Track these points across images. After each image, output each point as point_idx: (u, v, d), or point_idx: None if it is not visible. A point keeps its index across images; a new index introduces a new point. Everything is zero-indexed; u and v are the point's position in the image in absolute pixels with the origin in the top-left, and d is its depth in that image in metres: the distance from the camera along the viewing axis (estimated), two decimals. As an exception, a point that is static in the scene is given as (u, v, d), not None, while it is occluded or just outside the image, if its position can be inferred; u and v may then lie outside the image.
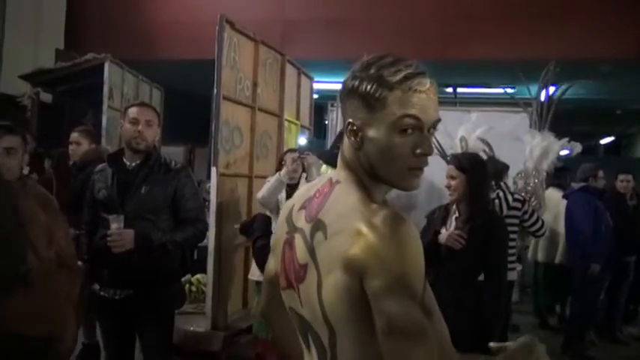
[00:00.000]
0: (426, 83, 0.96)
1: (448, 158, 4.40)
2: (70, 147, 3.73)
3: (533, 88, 8.17)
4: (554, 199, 4.80)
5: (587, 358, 4.45)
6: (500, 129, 5.51)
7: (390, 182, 1.00)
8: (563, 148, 4.45)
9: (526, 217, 3.62)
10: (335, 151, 2.06)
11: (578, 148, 4.65)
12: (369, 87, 0.97)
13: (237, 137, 3.49)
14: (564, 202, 4.58)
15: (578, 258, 4.34)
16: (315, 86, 5.54)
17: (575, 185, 4.54)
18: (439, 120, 0.98)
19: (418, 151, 0.95)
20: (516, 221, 3.55)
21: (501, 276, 2.49)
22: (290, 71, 4.42)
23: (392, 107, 0.95)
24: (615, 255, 4.50)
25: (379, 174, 0.99)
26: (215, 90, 3.22)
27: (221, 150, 3.23)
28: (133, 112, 2.43)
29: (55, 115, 6.73)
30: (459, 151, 4.10)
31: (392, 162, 0.96)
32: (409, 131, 0.95)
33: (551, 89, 8.43)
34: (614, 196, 4.80)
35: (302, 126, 4.89)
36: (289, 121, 4.45)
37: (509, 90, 8.29)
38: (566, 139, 4.62)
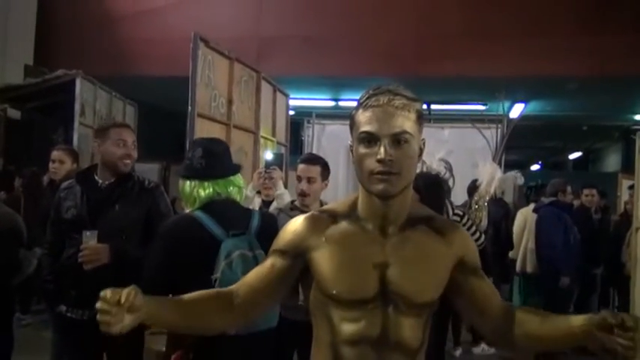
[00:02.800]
0: (384, 99, 1.11)
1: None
2: (52, 165, 3.60)
3: (504, 105, 8.38)
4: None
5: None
6: (471, 145, 5.65)
7: (364, 187, 1.16)
8: (507, 177, 4.96)
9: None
10: (186, 162, 2.02)
11: (520, 180, 5.15)
12: (352, 111, 1.18)
13: (212, 154, 3.48)
14: None
15: (548, 271, 4.43)
16: (291, 103, 5.58)
17: (545, 200, 4.65)
18: (404, 131, 1.10)
19: (376, 157, 1.10)
20: None
21: None
22: (265, 88, 4.45)
23: (357, 124, 1.14)
24: (583, 267, 4.62)
25: (358, 180, 1.16)
26: (190, 107, 3.22)
27: (196, 167, 3.20)
28: (118, 133, 2.35)
29: (24, 131, 6.58)
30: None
31: (360, 169, 1.14)
32: (371, 143, 1.11)
33: (521, 107, 8.71)
34: (579, 210, 4.94)
35: (278, 142, 4.90)
36: (265, 138, 4.47)
37: (480, 107, 8.52)
38: (515, 171, 5.23)
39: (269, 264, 1.23)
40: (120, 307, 1.03)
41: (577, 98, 8.29)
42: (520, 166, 15.57)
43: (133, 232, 2.33)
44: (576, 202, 5.22)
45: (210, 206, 1.94)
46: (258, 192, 3.26)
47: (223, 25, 6.64)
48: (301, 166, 2.57)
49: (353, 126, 1.16)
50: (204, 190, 1.97)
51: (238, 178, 2.06)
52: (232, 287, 1.25)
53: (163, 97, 8.03)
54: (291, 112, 5.72)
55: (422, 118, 1.16)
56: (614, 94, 7.97)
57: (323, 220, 1.20)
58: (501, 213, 4.95)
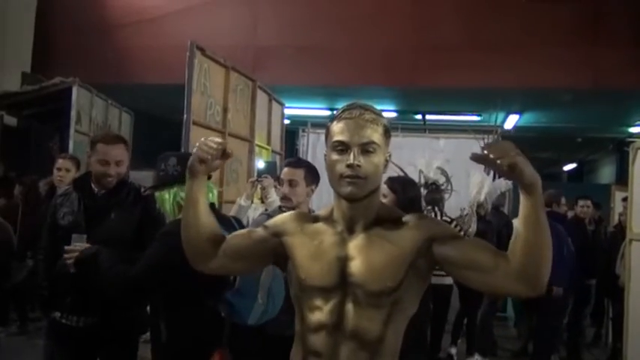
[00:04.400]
0: (356, 112, 1.27)
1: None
2: (58, 173, 3.59)
3: (498, 116, 8.41)
4: None
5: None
6: (466, 156, 5.67)
7: (335, 190, 1.30)
8: (495, 185, 4.97)
9: None
10: (160, 174, 2.03)
11: (508, 185, 5.16)
12: (328, 123, 1.33)
13: (207, 162, 3.48)
14: None
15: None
16: (287, 112, 5.61)
17: (539, 210, 4.66)
18: (372, 141, 1.25)
19: (346, 163, 1.24)
20: None
21: None
22: (261, 97, 4.47)
23: (331, 134, 1.30)
24: (577, 278, 4.62)
25: (330, 184, 1.30)
26: (185, 115, 3.23)
27: (191, 175, 3.21)
28: (102, 151, 2.31)
29: (20, 138, 6.58)
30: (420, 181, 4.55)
31: (332, 173, 1.28)
32: (343, 150, 1.26)
33: (516, 118, 8.77)
34: (574, 221, 4.96)
35: (273, 151, 4.91)
36: (260, 147, 4.48)
37: (475, 117, 8.56)
38: (501, 179, 5.15)
39: (250, 230, 1.46)
40: (221, 152, 1.31)
41: (571, 110, 8.35)
42: (515, 177, 15.58)
43: (128, 239, 2.33)
44: (570, 214, 5.24)
45: None
46: (262, 201, 3.27)
47: (220, 33, 6.66)
48: (284, 170, 2.56)
49: (328, 136, 1.31)
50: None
51: (212, 184, 2.13)
52: (229, 236, 1.43)
53: (159, 104, 8.04)
54: (287, 121, 5.74)
55: (388, 133, 1.31)
56: (608, 107, 8.04)
57: (307, 217, 1.40)
58: (502, 222, 4.99)
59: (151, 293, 2.02)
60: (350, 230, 1.30)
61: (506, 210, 5.67)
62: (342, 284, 1.27)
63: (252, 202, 3.21)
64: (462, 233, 3.97)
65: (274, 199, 2.97)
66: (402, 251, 1.25)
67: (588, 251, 4.91)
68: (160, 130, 8.58)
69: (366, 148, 1.25)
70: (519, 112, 8.47)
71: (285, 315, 2.07)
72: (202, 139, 1.33)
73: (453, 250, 1.24)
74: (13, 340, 4.43)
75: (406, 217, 1.31)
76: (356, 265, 1.26)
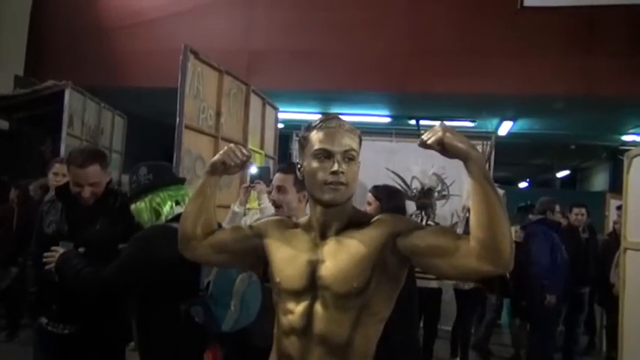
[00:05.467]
0: (335, 122, 1.33)
1: (411, 193, 4.66)
2: (55, 178, 3.51)
3: (492, 122, 8.44)
4: None
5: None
6: (460, 162, 5.69)
7: (314, 197, 1.34)
8: None
9: None
10: (133, 186, 2.05)
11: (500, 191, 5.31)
12: (302, 133, 1.40)
13: (200, 167, 3.45)
14: None
15: (534, 289, 4.41)
16: (280, 116, 5.58)
17: (533, 217, 4.65)
18: (352, 148, 1.32)
19: (330, 170, 1.29)
20: None
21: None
22: (255, 101, 4.45)
23: (311, 143, 1.34)
24: (570, 286, 4.61)
25: (309, 192, 1.36)
26: (177, 119, 3.20)
27: (182, 179, 3.17)
28: (75, 174, 2.27)
29: (11, 142, 6.52)
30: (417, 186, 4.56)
31: (313, 180, 1.32)
32: (323, 158, 1.30)
33: (510, 124, 8.79)
34: (567, 229, 4.95)
35: (266, 155, 4.88)
36: (253, 151, 4.44)
37: (469, 123, 8.57)
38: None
39: (238, 227, 1.57)
40: (243, 160, 1.44)
41: (565, 117, 8.37)
42: (509, 182, 15.66)
43: (114, 247, 2.28)
44: (563, 222, 5.24)
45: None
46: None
47: (214, 37, 6.64)
48: (276, 175, 2.53)
49: (306, 145, 1.35)
50: (163, 200, 2.00)
51: (189, 189, 2.10)
52: (218, 229, 1.52)
53: (152, 108, 8.00)
54: (281, 125, 5.71)
55: (361, 143, 1.38)
56: (601, 114, 8.06)
57: (289, 223, 1.46)
58: None
59: (122, 294, 2.03)
60: (322, 235, 1.35)
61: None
62: (311, 287, 1.31)
63: (245, 208, 3.18)
64: None
65: (267, 205, 2.94)
66: (368, 250, 1.28)
67: (582, 259, 4.90)
68: (152, 133, 8.54)
69: (347, 156, 1.31)
70: (513, 118, 8.49)
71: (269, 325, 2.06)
72: (232, 145, 1.47)
73: (415, 239, 1.26)
74: (2, 347, 4.38)
75: (374, 218, 1.35)
76: (325, 268, 1.30)
